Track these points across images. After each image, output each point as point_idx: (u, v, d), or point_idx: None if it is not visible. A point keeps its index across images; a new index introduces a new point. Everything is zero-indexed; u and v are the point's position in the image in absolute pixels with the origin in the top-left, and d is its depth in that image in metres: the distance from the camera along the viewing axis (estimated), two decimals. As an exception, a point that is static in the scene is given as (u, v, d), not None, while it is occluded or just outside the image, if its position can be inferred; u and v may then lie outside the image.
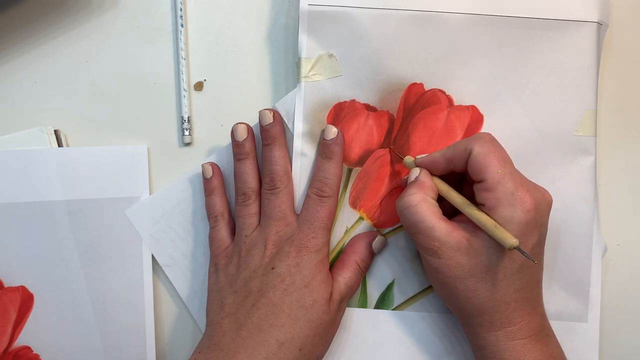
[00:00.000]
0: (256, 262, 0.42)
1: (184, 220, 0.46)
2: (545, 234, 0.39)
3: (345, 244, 0.45)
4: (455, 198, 0.39)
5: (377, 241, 0.44)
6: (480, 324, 0.39)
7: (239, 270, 0.42)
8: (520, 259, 0.37)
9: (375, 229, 0.45)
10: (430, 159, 0.41)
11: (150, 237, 0.46)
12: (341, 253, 0.44)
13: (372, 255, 0.44)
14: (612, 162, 0.47)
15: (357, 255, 0.43)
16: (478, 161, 0.38)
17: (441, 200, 0.41)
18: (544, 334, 0.39)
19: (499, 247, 0.37)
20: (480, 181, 0.38)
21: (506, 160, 0.38)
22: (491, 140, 0.39)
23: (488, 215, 0.37)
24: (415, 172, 0.41)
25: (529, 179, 0.39)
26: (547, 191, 0.40)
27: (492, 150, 0.38)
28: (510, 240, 0.35)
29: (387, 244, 0.45)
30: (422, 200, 0.39)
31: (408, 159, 0.43)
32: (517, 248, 0.35)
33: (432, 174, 0.41)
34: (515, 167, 0.39)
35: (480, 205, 0.38)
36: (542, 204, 0.38)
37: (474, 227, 0.38)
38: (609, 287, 0.46)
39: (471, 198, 0.39)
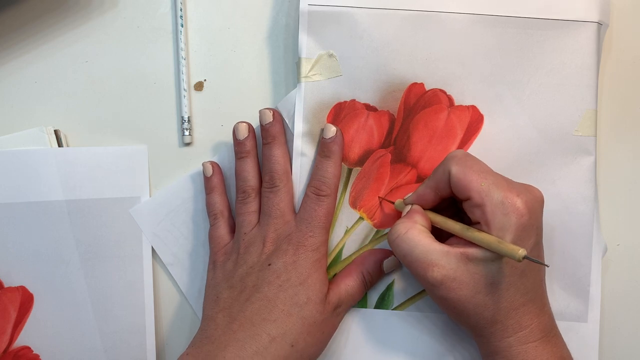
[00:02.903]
0: (254, 258, 0.42)
1: (188, 219, 0.46)
2: (542, 233, 0.39)
3: (345, 244, 0.45)
4: (453, 226, 0.39)
5: (389, 260, 0.44)
6: (492, 333, 0.38)
7: (237, 266, 0.42)
8: (522, 264, 0.37)
9: (375, 229, 0.45)
10: (417, 195, 0.41)
11: (154, 235, 0.46)
12: (351, 262, 0.44)
13: (380, 272, 0.44)
14: (612, 162, 0.47)
15: (365, 267, 0.43)
16: (459, 179, 0.38)
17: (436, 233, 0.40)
18: (552, 334, 0.39)
19: (497, 257, 0.37)
20: (467, 199, 0.38)
21: (486, 171, 0.38)
22: (465, 156, 0.39)
23: (486, 230, 0.37)
24: (406, 209, 0.41)
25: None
26: (536, 188, 0.39)
27: (468, 165, 0.38)
28: (518, 252, 0.34)
29: (400, 266, 0.44)
30: (411, 228, 0.39)
31: (398, 201, 0.43)
32: (527, 257, 0.34)
33: (425, 208, 0.41)
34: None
35: (476, 224, 0.38)
36: (534, 205, 0.38)
37: (467, 241, 0.38)
38: (609, 287, 0.46)
39: (466, 220, 0.39)
